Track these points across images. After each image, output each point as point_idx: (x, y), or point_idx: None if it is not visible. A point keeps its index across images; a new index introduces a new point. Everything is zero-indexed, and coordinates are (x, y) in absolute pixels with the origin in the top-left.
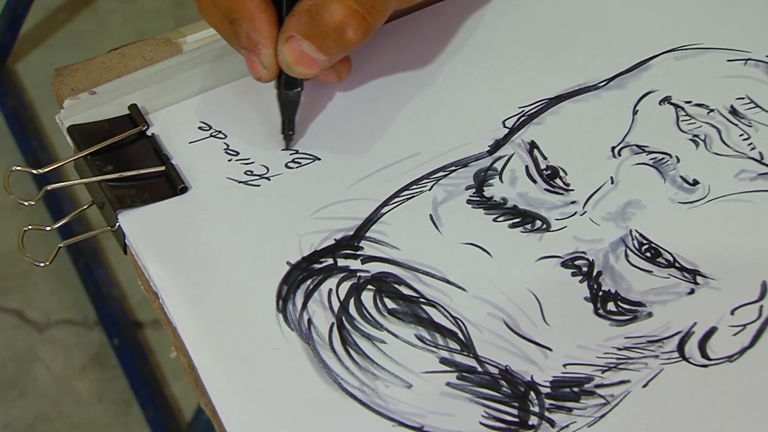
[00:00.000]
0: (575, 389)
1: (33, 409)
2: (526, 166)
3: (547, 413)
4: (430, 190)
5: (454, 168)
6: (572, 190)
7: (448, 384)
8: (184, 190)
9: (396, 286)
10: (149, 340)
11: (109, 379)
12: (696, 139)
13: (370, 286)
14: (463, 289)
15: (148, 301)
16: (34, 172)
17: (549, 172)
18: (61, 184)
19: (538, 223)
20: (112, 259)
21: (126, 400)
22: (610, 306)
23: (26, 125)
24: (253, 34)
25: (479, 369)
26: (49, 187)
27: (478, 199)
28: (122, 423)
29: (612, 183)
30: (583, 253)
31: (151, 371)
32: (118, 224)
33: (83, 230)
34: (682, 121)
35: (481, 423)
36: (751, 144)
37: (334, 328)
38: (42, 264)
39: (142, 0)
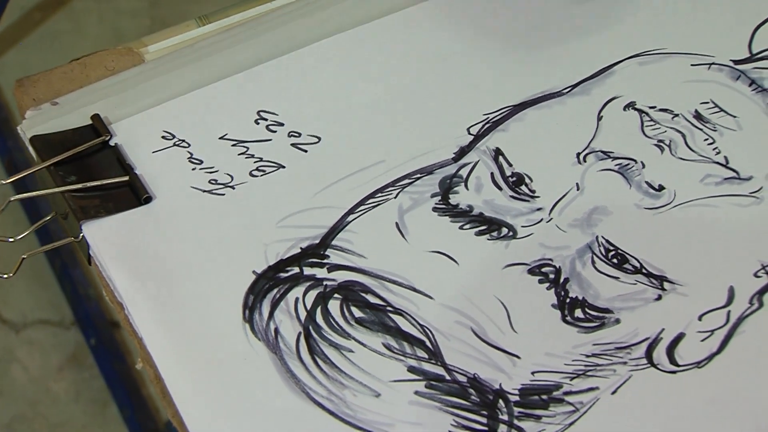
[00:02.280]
0: (544, 397)
1: (10, 409)
2: (492, 173)
3: (516, 421)
4: (395, 197)
5: (419, 175)
6: (538, 196)
7: (416, 393)
8: (149, 200)
9: (363, 294)
10: (126, 340)
11: (86, 379)
12: (661, 144)
13: (336, 295)
14: (431, 297)
15: None
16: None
17: (514, 179)
18: (24, 195)
19: (505, 230)
20: None
21: (103, 400)
22: (578, 313)
23: (1, 126)
24: None
25: (447, 377)
26: (12, 199)
27: (444, 206)
28: (99, 423)
29: (578, 189)
30: (550, 260)
31: (128, 371)
32: (81, 235)
33: (58, 232)
34: (646, 126)
35: None
36: (716, 148)
37: (301, 338)
38: (6, 276)
39: None
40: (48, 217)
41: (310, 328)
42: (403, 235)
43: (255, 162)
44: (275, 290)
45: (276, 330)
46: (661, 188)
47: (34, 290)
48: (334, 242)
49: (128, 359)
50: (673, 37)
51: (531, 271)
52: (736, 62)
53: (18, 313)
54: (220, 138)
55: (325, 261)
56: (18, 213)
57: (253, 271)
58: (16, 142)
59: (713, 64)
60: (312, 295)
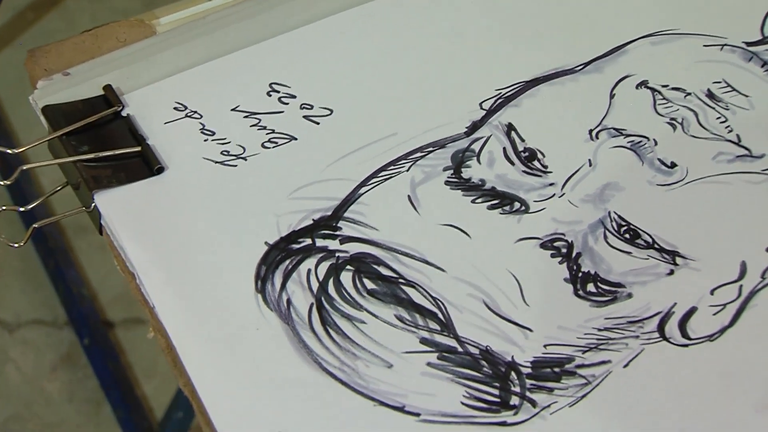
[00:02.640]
0: (556, 369)
1: (4, 409)
2: (504, 148)
3: (528, 393)
4: (407, 170)
5: (431, 149)
6: (550, 172)
7: (428, 364)
8: (161, 170)
9: (375, 266)
10: (120, 339)
11: (79, 379)
12: (673, 122)
13: (349, 267)
14: (443, 270)
15: (119, 301)
16: (9, 151)
17: (527, 154)
18: (37, 164)
19: (517, 204)
20: (82, 258)
21: (97, 399)
22: (590, 287)
23: None
24: None
25: (460, 349)
26: (25, 167)
27: (456, 180)
28: (94, 423)
29: (590, 165)
30: (562, 234)
31: (122, 371)
32: (94, 204)
33: (54, 234)
34: (659, 104)
35: (463, 403)
36: (728, 127)
37: (314, 309)
38: (16, 245)
39: None
40: (59, 187)
41: (323, 299)
42: (415, 208)
43: (267, 134)
44: (287, 261)
45: (288, 301)
46: (673, 165)
47: (28, 290)
48: (346, 214)
49: (122, 359)
50: (686, 18)
51: (543, 246)
52: (749, 44)
53: (11, 313)
54: (232, 110)
55: (337, 233)
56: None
57: (266, 242)
58: (9, 141)
59: (726, 45)
60: (324, 266)
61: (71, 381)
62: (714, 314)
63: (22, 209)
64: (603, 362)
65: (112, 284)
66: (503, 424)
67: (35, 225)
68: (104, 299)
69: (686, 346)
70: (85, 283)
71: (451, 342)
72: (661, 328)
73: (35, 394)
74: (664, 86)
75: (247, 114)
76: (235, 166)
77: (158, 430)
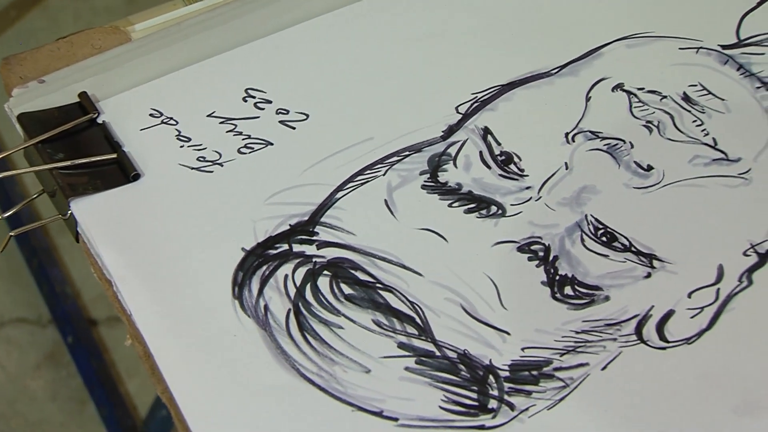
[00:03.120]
0: (534, 372)
1: None
2: (480, 152)
3: (506, 396)
4: (384, 175)
5: (407, 153)
6: (527, 175)
7: (406, 368)
8: (137, 177)
9: (352, 271)
10: (103, 337)
11: (63, 378)
12: (649, 125)
13: (326, 272)
14: (420, 274)
15: (102, 299)
16: None
17: (503, 157)
18: (12, 172)
19: (494, 208)
20: (65, 257)
21: (81, 398)
22: (567, 290)
23: None
24: None
25: (437, 353)
26: (0, 175)
27: (432, 184)
28: (77, 421)
29: (566, 169)
30: (539, 238)
31: (105, 369)
32: (70, 212)
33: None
34: (635, 107)
35: (441, 407)
36: (704, 130)
37: (291, 314)
38: None
39: None
40: (35, 195)
41: (300, 304)
42: (392, 212)
43: (243, 139)
44: (264, 267)
45: (265, 307)
46: (649, 168)
47: (11, 289)
48: (323, 219)
49: (106, 357)
50: (661, 20)
51: (520, 249)
52: (724, 47)
53: None
54: (208, 115)
55: (314, 238)
56: None
57: (242, 248)
58: None
59: (701, 48)
60: (301, 272)
61: (55, 379)
62: (691, 317)
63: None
64: (581, 365)
65: (95, 283)
66: (482, 427)
67: (11, 233)
68: (88, 297)
69: (664, 348)
70: (69, 281)
71: (429, 346)
72: (638, 330)
73: (19, 393)
74: (639, 89)
75: (223, 120)
76: (212, 172)
77: (142, 428)
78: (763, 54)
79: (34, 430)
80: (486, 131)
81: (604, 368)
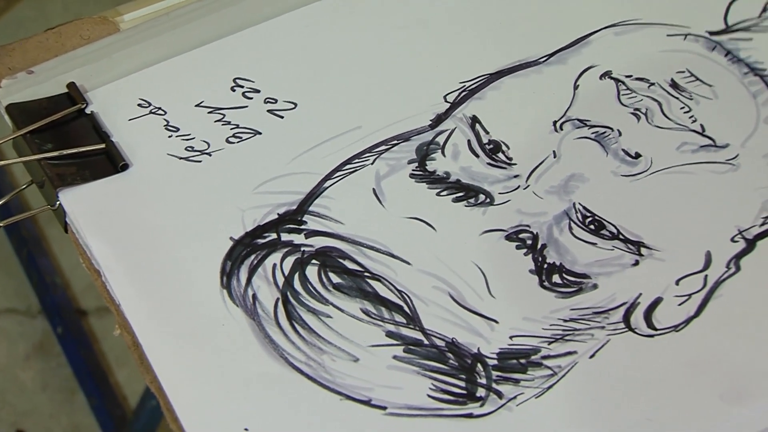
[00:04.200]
0: (522, 361)
1: None
2: (468, 141)
3: (494, 385)
4: (372, 163)
5: (396, 142)
6: (515, 164)
7: (395, 357)
8: (125, 167)
9: (340, 260)
10: (93, 328)
11: (53, 368)
12: (637, 112)
13: (314, 261)
14: (408, 263)
15: (92, 289)
16: None
17: (491, 146)
18: (1, 162)
19: (482, 197)
20: (55, 247)
21: (71, 388)
22: (555, 278)
23: None
24: None
25: (426, 342)
26: None
27: (420, 173)
28: (67, 411)
29: (554, 157)
30: (527, 226)
31: (95, 359)
32: (58, 202)
33: (29, 227)
34: (623, 95)
35: (429, 395)
36: (692, 117)
37: (279, 303)
38: None
39: None
40: (24, 185)
41: (288, 293)
42: (380, 201)
43: (231, 129)
44: (253, 256)
45: (254, 296)
46: (637, 156)
47: (0, 279)
48: (311, 208)
49: (95, 347)
50: (648, 7)
51: (508, 237)
52: (712, 33)
53: None
54: (196, 105)
55: (302, 227)
56: None
57: (231, 238)
58: None
59: (689, 34)
60: (290, 261)
61: (45, 370)
62: (679, 304)
63: None
64: (569, 353)
65: (84, 273)
66: (470, 416)
67: (0, 224)
68: (77, 288)
69: (652, 336)
70: (58, 271)
71: (417, 335)
72: (626, 318)
73: (8, 383)
74: (627, 76)
75: (212, 109)
76: (200, 161)
77: (132, 418)
78: (750, 39)
79: (24, 420)
80: (474, 120)
81: (592, 356)
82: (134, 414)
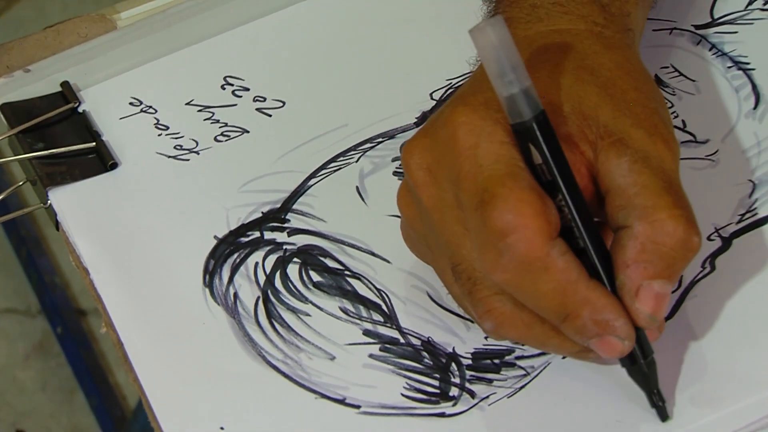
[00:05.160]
0: (496, 361)
1: None
2: None
3: (467, 384)
4: (357, 161)
5: (381, 140)
6: None
7: (371, 356)
8: (114, 166)
9: (321, 258)
10: (93, 327)
11: (52, 368)
12: None
13: (296, 259)
14: (388, 262)
15: None
16: None
17: None
18: None
19: None
20: (54, 247)
21: (70, 388)
22: None
23: None
24: (600, 316)
25: (402, 340)
26: None
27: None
28: (66, 411)
29: None
30: None
31: (95, 359)
32: (49, 201)
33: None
34: None
35: (403, 394)
36: (674, 112)
37: (260, 302)
38: None
39: None
40: (20, 183)
41: (269, 292)
42: (363, 199)
43: (220, 127)
44: (236, 255)
45: (235, 294)
46: None
47: (0, 279)
48: (295, 206)
49: (95, 347)
50: None
51: None
52: (698, 27)
53: None
54: (186, 104)
55: (285, 225)
56: None
57: (215, 236)
58: None
59: (675, 29)
60: (272, 259)
61: (44, 370)
62: None
63: None
64: (542, 353)
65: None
66: (442, 415)
67: None
68: (77, 288)
69: None
70: (58, 271)
71: (394, 333)
72: None
73: (8, 383)
74: None
75: (201, 108)
76: (188, 160)
77: (131, 419)
78: (735, 32)
79: (24, 420)
80: None
81: (565, 356)
82: (134, 414)
